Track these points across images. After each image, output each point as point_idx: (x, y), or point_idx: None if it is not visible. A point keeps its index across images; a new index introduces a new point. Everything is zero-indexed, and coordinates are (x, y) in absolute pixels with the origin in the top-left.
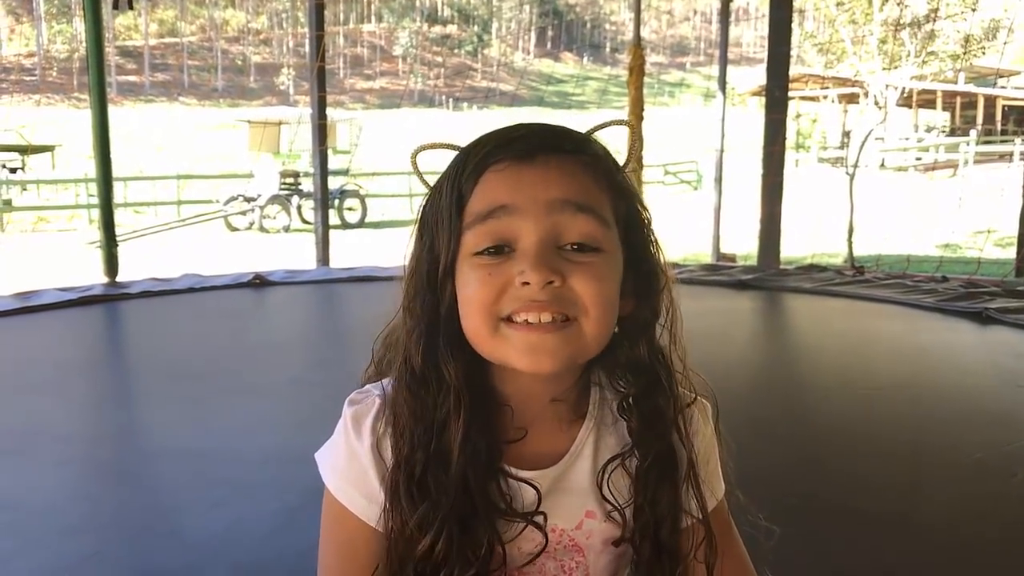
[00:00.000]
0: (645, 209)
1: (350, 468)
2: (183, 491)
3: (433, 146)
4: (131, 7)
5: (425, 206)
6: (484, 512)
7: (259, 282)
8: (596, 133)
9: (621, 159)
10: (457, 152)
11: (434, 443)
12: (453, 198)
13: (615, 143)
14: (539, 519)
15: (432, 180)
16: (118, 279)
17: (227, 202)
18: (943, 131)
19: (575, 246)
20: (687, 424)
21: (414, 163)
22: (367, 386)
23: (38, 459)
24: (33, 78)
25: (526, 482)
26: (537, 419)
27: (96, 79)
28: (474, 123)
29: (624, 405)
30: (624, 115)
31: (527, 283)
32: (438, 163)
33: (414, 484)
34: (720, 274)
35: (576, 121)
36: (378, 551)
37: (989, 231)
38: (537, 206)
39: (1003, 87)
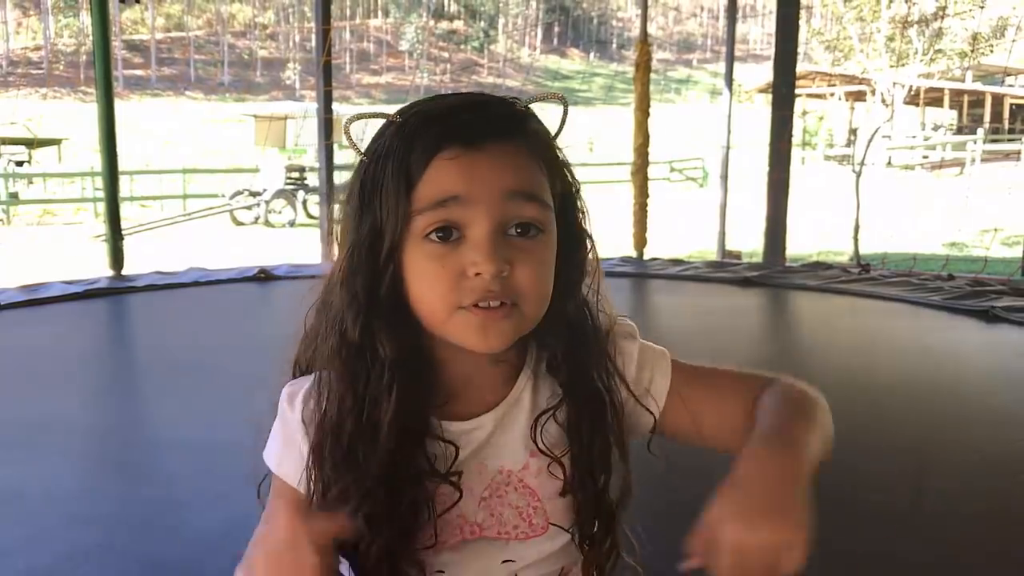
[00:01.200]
0: (574, 179)
1: (284, 441)
2: (187, 484)
3: (367, 116)
4: (138, 1)
5: (363, 177)
6: (407, 472)
7: (264, 276)
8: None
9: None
10: (391, 121)
11: (365, 414)
12: (400, 180)
13: (620, 135)
14: (455, 478)
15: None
16: (123, 272)
17: (233, 196)
18: (950, 129)
19: (519, 229)
20: (614, 350)
21: (347, 132)
22: (300, 377)
23: (44, 451)
24: (40, 72)
25: (449, 442)
26: (474, 376)
27: (102, 73)
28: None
29: (553, 362)
30: (572, 112)
31: (479, 273)
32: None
33: (340, 452)
34: (725, 271)
35: (580, 118)
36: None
37: (996, 230)
38: (490, 196)
39: (1011, 85)
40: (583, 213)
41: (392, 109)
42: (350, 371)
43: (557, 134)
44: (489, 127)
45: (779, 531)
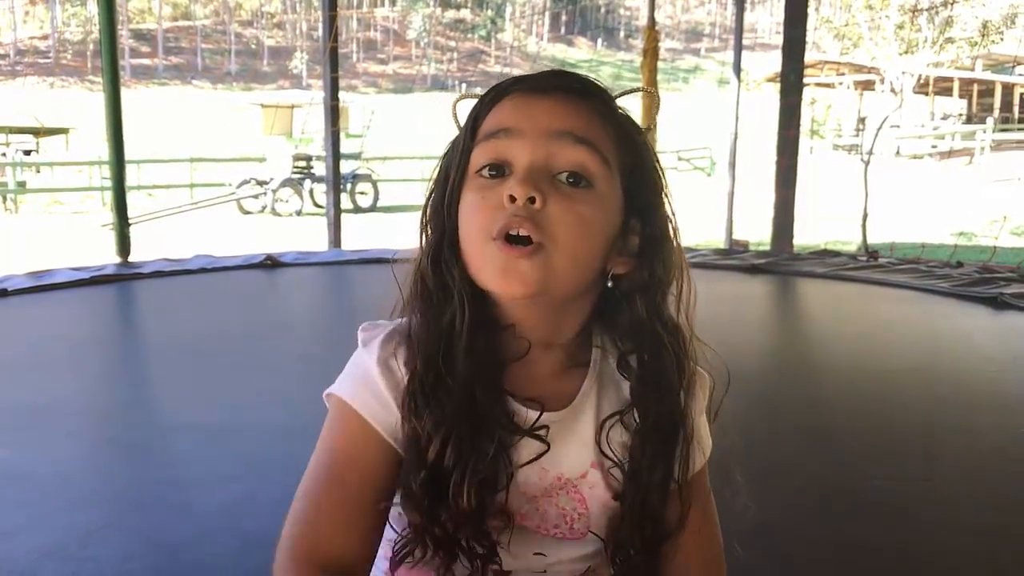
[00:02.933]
0: (662, 174)
1: (362, 377)
2: (194, 465)
3: (471, 96)
4: None
5: (450, 145)
6: (489, 425)
7: (271, 263)
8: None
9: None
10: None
11: (443, 351)
12: (469, 123)
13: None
14: (541, 432)
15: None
16: (130, 259)
17: (240, 185)
18: (959, 119)
19: (570, 177)
20: (688, 390)
21: (454, 112)
22: (380, 321)
23: (51, 434)
24: (47, 61)
25: (531, 404)
26: (540, 359)
27: (109, 62)
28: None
29: (623, 363)
30: (645, 86)
31: (513, 198)
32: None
33: (427, 393)
34: (733, 258)
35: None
36: (377, 464)
37: (1005, 218)
38: (537, 131)
39: (1021, 75)
40: (668, 205)
41: (400, 98)
42: (429, 307)
43: (648, 128)
44: (559, 82)
45: None
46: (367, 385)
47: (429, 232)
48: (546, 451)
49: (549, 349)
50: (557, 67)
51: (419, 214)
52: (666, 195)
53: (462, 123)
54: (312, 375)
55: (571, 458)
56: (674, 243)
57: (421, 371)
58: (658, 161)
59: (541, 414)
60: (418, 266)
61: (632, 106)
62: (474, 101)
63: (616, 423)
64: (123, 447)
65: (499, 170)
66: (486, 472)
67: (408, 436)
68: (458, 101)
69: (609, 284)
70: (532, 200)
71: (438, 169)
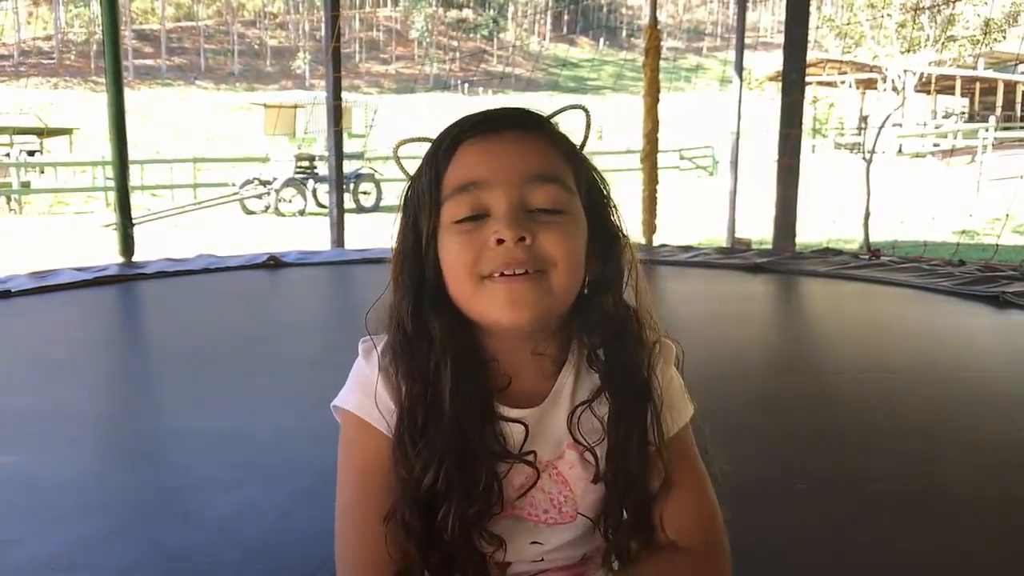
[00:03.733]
0: (603, 180)
1: (364, 387)
2: (196, 472)
3: (413, 140)
4: None
5: (408, 190)
6: (480, 453)
7: (274, 263)
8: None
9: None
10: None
11: (429, 394)
12: (432, 175)
13: (629, 123)
14: (529, 457)
15: (412, 170)
16: (134, 259)
17: (243, 185)
18: (961, 117)
19: (543, 210)
20: (652, 362)
21: (396, 155)
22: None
23: (54, 439)
24: (51, 61)
25: (516, 421)
26: (521, 369)
27: (112, 62)
28: (489, 107)
29: (592, 356)
30: (581, 101)
31: (501, 240)
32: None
33: (416, 432)
34: (735, 257)
35: (589, 106)
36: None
37: (1007, 217)
38: (508, 179)
39: (1023, 73)
40: (615, 210)
41: (402, 99)
42: (411, 357)
43: (582, 145)
44: (507, 120)
45: None
46: (369, 394)
47: (406, 280)
48: (536, 480)
49: (531, 359)
50: (518, 99)
51: (391, 261)
52: (609, 199)
53: (405, 166)
54: (315, 379)
55: (551, 440)
56: (623, 240)
57: (408, 416)
58: (596, 169)
59: (527, 436)
60: (396, 314)
61: (632, 106)
62: (417, 145)
63: (586, 409)
64: (125, 453)
65: (475, 217)
66: (479, 504)
67: (398, 473)
68: (400, 145)
69: (586, 290)
70: (522, 238)
71: (402, 219)
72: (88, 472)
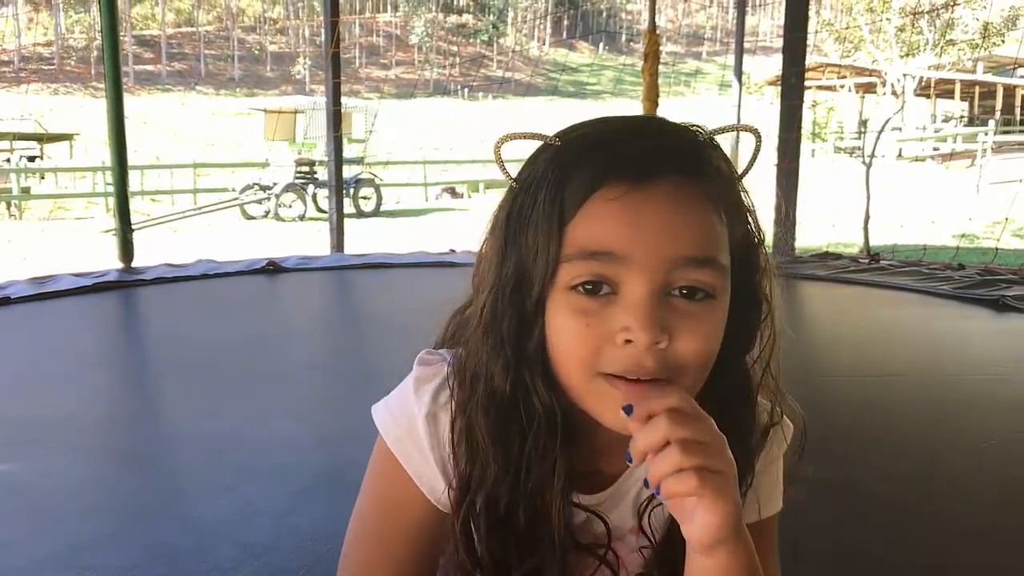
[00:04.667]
0: (758, 228)
1: (407, 426)
2: (195, 475)
3: (522, 136)
4: None
5: (511, 206)
6: (558, 548)
7: (273, 268)
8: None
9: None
10: (548, 144)
11: (523, 482)
12: (553, 218)
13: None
14: (611, 557)
15: (513, 171)
16: (133, 265)
17: (243, 190)
18: (961, 121)
19: (684, 291)
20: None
21: (498, 154)
22: (441, 350)
23: (54, 444)
24: (51, 67)
25: (592, 512)
26: (612, 447)
27: (111, 68)
28: (489, 112)
29: None
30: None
31: (630, 340)
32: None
33: (500, 523)
34: None
35: (589, 110)
36: (418, 520)
37: (1007, 220)
38: (655, 259)
39: (1022, 76)
40: (764, 269)
41: (402, 104)
42: (500, 426)
43: (746, 172)
44: (663, 160)
45: None
46: (411, 435)
47: (501, 337)
48: (598, 567)
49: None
50: (646, 115)
51: (477, 305)
52: (762, 246)
53: (508, 169)
54: (314, 385)
55: (616, 516)
56: (769, 304)
57: (488, 503)
58: (753, 212)
59: (609, 534)
60: (480, 365)
61: (632, 111)
62: (523, 143)
63: (659, 504)
64: (125, 458)
65: (598, 286)
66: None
67: (460, 559)
68: (502, 144)
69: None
70: (657, 342)
71: (502, 237)
72: (87, 476)
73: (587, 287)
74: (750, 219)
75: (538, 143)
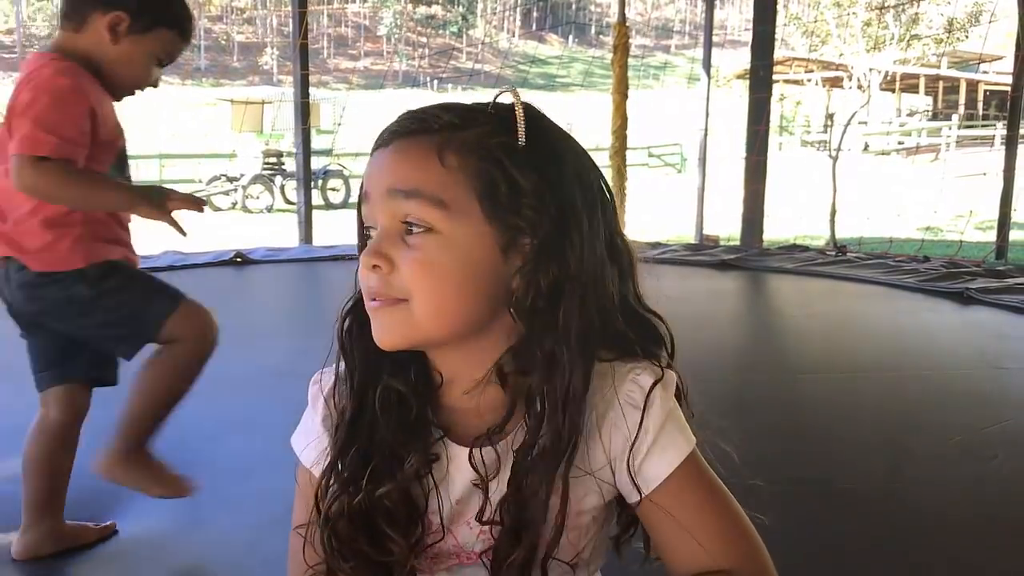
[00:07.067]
0: (540, 192)
1: (310, 436)
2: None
3: (508, 90)
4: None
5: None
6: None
7: (241, 260)
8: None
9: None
10: None
11: (361, 415)
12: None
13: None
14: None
15: None
16: None
17: (210, 182)
18: (925, 115)
19: (408, 226)
20: (620, 391)
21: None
22: (333, 366)
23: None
24: (13, 56)
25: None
26: (471, 402)
27: None
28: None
29: (500, 373)
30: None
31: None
32: None
33: (350, 438)
34: (703, 254)
35: (559, 102)
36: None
37: (971, 213)
38: (379, 193)
39: (985, 72)
40: (556, 227)
41: (371, 95)
42: (351, 364)
43: (515, 135)
44: (399, 127)
45: None
46: (314, 442)
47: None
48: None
49: (478, 390)
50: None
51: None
52: (537, 195)
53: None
54: (286, 393)
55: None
56: (560, 250)
57: (348, 429)
58: (545, 166)
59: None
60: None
61: (601, 103)
62: (509, 98)
63: (500, 439)
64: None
65: (368, 228)
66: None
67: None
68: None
69: (512, 311)
70: (375, 266)
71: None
72: None
73: (365, 231)
74: (513, 173)
75: None
